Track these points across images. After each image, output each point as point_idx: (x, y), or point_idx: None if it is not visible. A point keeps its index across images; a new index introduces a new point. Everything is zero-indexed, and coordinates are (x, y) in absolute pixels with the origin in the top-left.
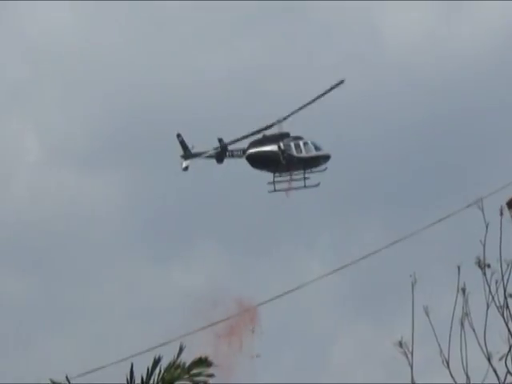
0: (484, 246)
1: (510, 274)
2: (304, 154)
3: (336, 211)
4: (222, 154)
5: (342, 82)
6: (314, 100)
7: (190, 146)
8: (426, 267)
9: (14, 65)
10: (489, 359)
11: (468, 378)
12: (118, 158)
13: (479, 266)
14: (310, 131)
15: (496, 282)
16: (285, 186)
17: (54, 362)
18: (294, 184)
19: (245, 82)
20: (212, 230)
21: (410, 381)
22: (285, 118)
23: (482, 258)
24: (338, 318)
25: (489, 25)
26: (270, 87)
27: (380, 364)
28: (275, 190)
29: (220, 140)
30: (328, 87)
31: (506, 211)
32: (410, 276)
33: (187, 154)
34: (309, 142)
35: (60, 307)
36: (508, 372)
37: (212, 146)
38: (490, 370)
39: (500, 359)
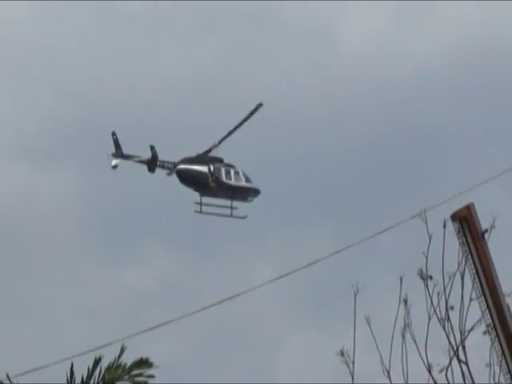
0: (427, 257)
1: (451, 287)
2: (233, 181)
3: (287, 219)
4: (152, 162)
5: (260, 105)
6: (238, 125)
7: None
8: (372, 277)
9: None
10: (429, 370)
11: None
12: (69, 155)
13: (421, 277)
14: (262, 139)
15: (438, 294)
16: (211, 210)
17: None
18: (221, 210)
19: (199, 87)
20: (162, 230)
21: None
22: (219, 143)
23: (424, 270)
24: (283, 324)
25: (447, 34)
26: (224, 93)
27: (323, 373)
28: (201, 212)
29: (152, 147)
30: (248, 112)
31: (450, 224)
32: (353, 286)
33: (118, 153)
34: (240, 171)
35: (4, 304)
36: None
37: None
38: (431, 380)
39: (440, 371)
